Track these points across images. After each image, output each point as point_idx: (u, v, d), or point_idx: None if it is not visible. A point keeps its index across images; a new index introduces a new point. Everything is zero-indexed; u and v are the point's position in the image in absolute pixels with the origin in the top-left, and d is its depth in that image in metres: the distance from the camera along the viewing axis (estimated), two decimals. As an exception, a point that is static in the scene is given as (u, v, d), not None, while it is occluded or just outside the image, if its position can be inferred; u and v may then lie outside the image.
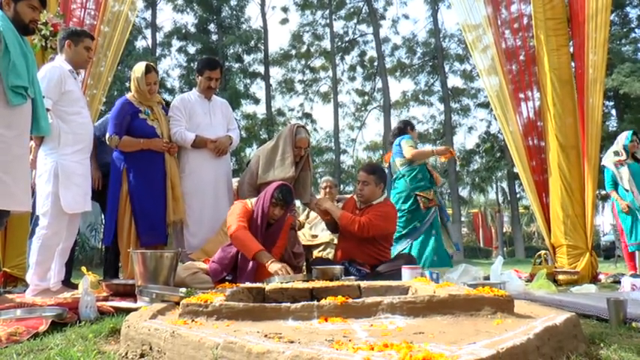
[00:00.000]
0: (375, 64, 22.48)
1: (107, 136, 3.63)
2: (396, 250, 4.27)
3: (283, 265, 2.98)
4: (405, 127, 4.75)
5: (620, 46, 17.07)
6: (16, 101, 2.50)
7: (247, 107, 21.51)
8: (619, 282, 4.05)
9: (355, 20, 22.97)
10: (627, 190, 5.10)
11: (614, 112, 18.80)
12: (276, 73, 28.56)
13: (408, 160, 4.47)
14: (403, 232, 4.38)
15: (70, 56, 3.32)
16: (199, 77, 4.07)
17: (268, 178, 3.80)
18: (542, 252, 4.75)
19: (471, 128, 22.51)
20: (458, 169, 19.51)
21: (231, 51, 20.11)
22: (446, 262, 4.35)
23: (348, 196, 4.43)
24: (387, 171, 4.72)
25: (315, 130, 23.74)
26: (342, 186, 20.46)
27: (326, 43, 23.13)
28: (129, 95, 3.77)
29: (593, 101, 4.32)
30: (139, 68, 3.73)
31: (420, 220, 4.37)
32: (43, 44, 4.12)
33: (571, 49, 4.67)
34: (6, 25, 2.51)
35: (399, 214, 4.34)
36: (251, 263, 3.18)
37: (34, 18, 2.71)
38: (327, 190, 5.03)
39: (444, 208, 5.17)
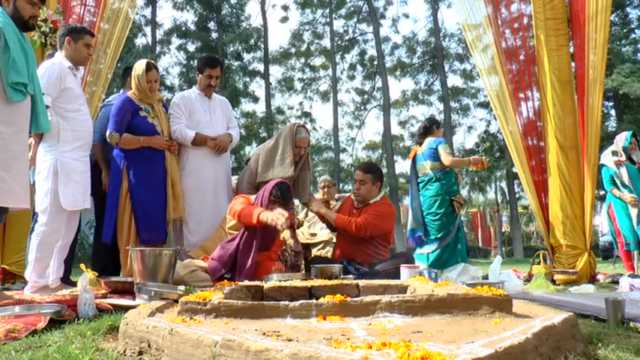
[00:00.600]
0: (375, 63, 22.44)
1: (107, 133, 3.63)
2: (423, 250, 4.38)
3: (280, 213, 2.99)
4: (431, 126, 4.74)
5: (620, 47, 17.08)
6: (16, 98, 2.50)
7: (247, 105, 21.55)
8: (617, 282, 4.06)
9: (355, 19, 22.95)
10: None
11: (613, 112, 18.81)
12: (276, 72, 28.66)
13: (442, 165, 4.47)
14: (438, 236, 4.38)
15: (69, 53, 3.31)
16: (199, 75, 4.07)
17: (268, 177, 3.80)
18: (541, 252, 4.75)
19: (470, 128, 22.58)
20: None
21: (231, 49, 20.08)
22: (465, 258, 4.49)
23: (348, 195, 4.43)
24: (410, 170, 4.76)
25: (314, 128, 23.74)
26: (341, 185, 20.45)
27: (326, 42, 23.13)
28: (129, 93, 3.77)
29: (593, 101, 4.32)
30: (140, 66, 3.72)
31: (452, 223, 4.43)
32: (43, 41, 4.11)
33: (571, 50, 4.66)
34: (6, 22, 2.50)
35: (432, 218, 4.41)
36: (250, 261, 3.19)
37: (34, 14, 2.71)
38: (325, 189, 5.02)
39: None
